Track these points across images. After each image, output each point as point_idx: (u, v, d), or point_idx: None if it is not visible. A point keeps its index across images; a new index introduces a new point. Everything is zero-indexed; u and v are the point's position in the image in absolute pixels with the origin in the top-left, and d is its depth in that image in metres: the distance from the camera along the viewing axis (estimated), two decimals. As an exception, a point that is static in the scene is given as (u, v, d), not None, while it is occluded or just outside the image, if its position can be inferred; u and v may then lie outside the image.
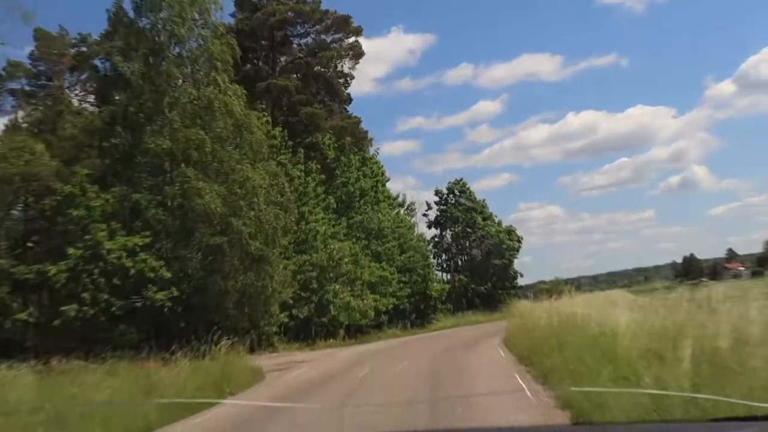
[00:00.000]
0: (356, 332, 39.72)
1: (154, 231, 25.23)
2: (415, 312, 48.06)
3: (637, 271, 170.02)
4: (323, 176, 38.68)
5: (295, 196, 33.19)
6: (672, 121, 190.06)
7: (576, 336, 12.65)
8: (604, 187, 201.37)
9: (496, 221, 62.15)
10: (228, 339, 18.94)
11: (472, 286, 58.25)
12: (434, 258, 61.86)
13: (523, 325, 22.77)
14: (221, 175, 26.35)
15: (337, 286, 35.24)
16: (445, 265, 62.28)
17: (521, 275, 60.86)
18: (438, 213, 62.44)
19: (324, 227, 35.69)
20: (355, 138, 40.57)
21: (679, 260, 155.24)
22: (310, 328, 35.37)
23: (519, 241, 60.94)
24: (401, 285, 44.39)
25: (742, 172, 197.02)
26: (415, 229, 52.55)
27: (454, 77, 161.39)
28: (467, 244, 60.72)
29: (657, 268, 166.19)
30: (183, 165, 25.51)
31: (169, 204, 25.59)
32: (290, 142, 36.70)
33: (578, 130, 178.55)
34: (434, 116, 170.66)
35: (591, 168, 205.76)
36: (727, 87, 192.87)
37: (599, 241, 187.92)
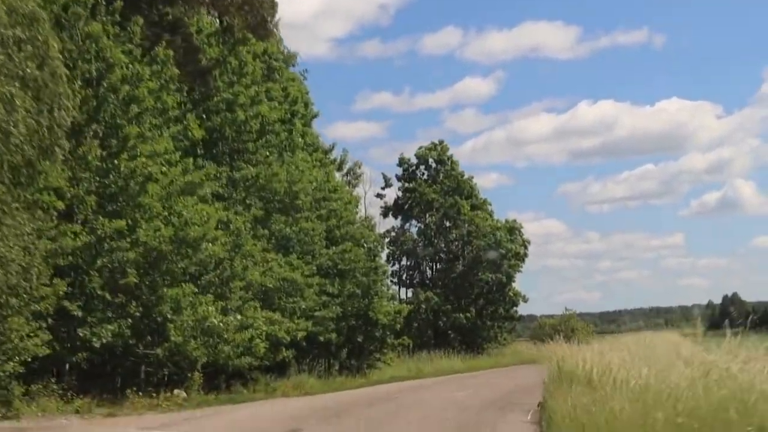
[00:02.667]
0: (230, 379, 25.92)
1: None
2: (348, 347, 34.41)
3: (654, 311, 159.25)
4: (185, 84, 24.89)
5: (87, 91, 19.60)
6: (715, 121, 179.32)
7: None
8: (621, 201, 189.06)
9: (490, 211, 48.95)
10: None
11: (447, 309, 44.85)
12: (389, 262, 48.34)
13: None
14: None
15: (187, 289, 21.45)
16: (405, 276, 48.75)
17: (524, 300, 47.65)
18: (400, 194, 49.06)
19: (170, 172, 21.74)
20: (254, 21, 26.73)
21: (714, 300, 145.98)
22: (123, 367, 21.56)
23: (525, 246, 47.76)
24: (325, 299, 30.72)
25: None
26: (359, 209, 38.82)
27: (435, 44, 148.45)
28: (443, 245, 47.36)
29: (682, 309, 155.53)
30: None
31: None
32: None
33: (592, 124, 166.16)
34: (405, 93, 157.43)
35: (605, 175, 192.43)
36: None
37: (608, 270, 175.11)
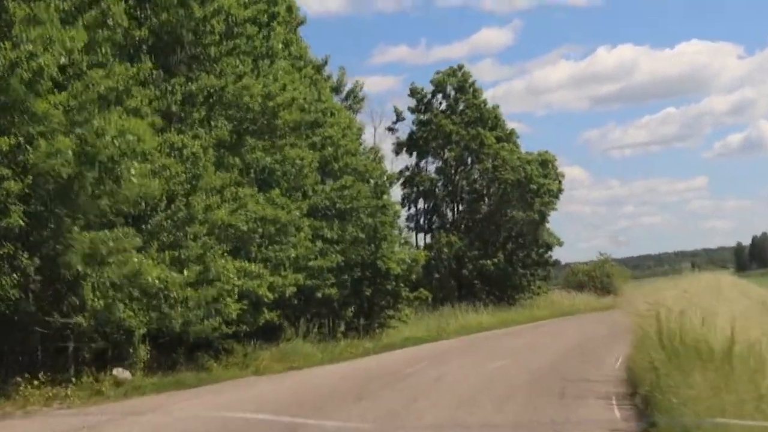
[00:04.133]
0: (193, 351, 19.99)
1: None
2: (355, 304, 28.41)
3: (680, 254, 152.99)
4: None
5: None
6: (737, 61, 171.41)
7: None
8: (642, 146, 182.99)
9: (518, 144, 42.25)
10: None
11: (472, 256, 38.69)
12: (404, 206, 42.17)
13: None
14: None
15: (115, 233, 15.40)
16: (423, 220, 42.55)
17: (559, 243, 41.18)
18: (414, 128, 42.51)
19: (91, 74, 15.47)
20: None
21: (743, 241, 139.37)
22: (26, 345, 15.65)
23: (560, 182, 41.07)
24: (321, 246, 24.70)
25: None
26: (364, 139, 32.21)
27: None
28: (465, 183, 40.97)
29: (707, 251, 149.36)
30: None
31: None
32: None
33: (611, 70, 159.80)
34: (422, 45, 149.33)
35: (626, 120, 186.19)
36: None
37: (631, 215, 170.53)
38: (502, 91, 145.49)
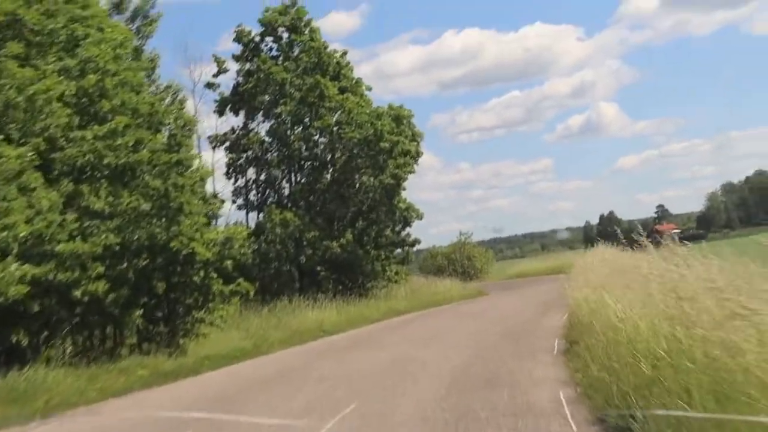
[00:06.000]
0: None
1: None
2: (148, 303, 19.94)
3: (529, 236, 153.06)
4: None
5: None
6: (577, 44, 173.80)
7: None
8: (489, 129, 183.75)
9: (367, 97, 34.60)
10: None
11: (312, 237, 30.84)
12: (229, 177, 33.97)
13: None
14: None
15: None
16: (255, 195, 34.27)
17: (420, 217, 33.97)
18: (240, 80, 34.08)
19: None
20: None
21: (590, 221, 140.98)
22: None
23: (417, 142, 33.77)
24: (81, 219, 16.29)
25: (661, 112, 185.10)
26: (158, 75, 23.32)
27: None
28: (304, 147, 32.94)
29: (554, 232, 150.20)
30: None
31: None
32: None
33: (458, 53, 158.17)
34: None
35: (473, 104, 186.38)
36: (646, 1, 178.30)
37: (480, 199, 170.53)
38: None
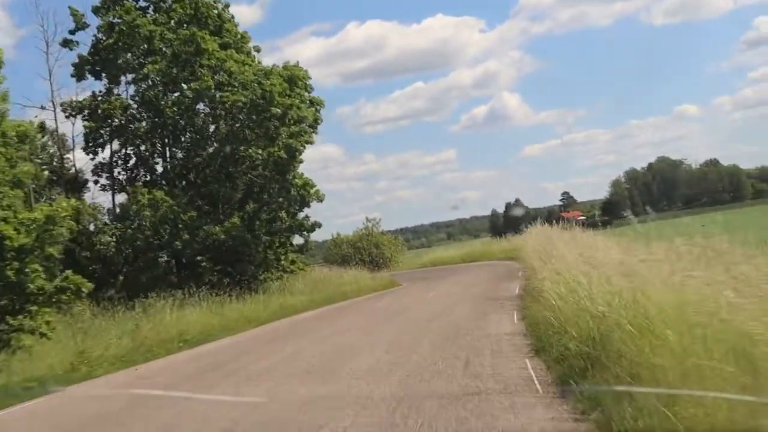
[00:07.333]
0: None
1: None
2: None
3: (435, 226, 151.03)
4: None
5: None
6: (479, 35, 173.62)
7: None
8: (394, 120, 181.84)
9: (254, 56, 29.18)
10: None
11: (190, 219, 25.42)
12: (88, 151, 28.20)
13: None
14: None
15: None
16: (122, 172, 28.56)
17: (319, 198, 28.87)
18: (101, 37, 28.20)
19: None
20: None
21: (497, 209, 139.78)
22: None
23: (316, 109, 28.54)
24: None
25: (563, 101, 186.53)
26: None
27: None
28: (178, 114, 27.34)
29: (461, 221, 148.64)
30: None
31: None
32: None
33: (361, 45, 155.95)
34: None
35: (377, 95, 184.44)
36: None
37: (386, 190, 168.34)
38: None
